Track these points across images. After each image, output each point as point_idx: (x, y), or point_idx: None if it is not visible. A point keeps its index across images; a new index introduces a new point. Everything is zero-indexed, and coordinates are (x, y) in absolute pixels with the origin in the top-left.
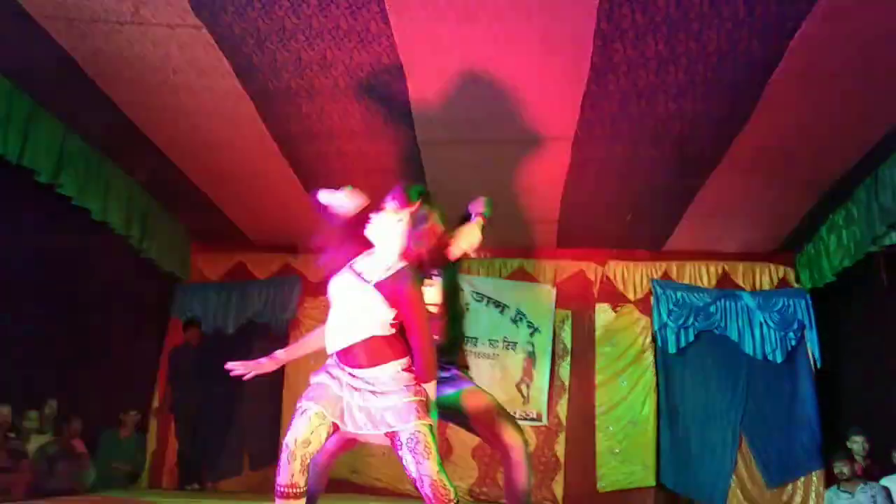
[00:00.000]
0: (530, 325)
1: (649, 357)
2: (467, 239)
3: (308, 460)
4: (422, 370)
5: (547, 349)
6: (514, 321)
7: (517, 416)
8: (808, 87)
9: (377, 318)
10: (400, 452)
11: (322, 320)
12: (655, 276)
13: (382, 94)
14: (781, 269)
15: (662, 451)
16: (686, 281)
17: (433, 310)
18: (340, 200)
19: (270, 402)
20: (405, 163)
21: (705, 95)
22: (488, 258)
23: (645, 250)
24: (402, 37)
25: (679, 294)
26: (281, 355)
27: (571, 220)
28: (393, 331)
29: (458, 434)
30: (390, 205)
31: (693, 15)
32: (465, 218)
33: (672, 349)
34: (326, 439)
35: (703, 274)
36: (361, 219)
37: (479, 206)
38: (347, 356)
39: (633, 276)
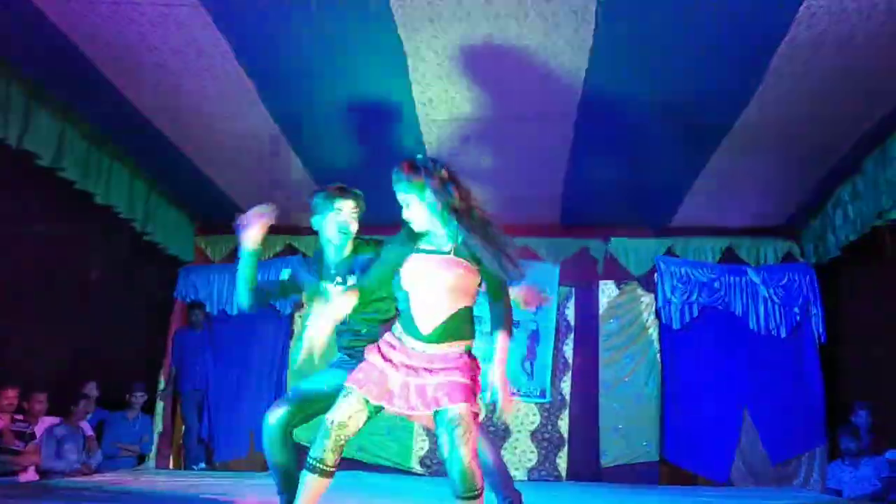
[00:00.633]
0: None
1: (653, 333)
2: None
3: (342, 441)
4: (507, 321)
5: (551, 327)
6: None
7: (521, 393)
8: (815, 58)
9: (467, 287)
10: (438, 430)
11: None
12: (659, 253)
13: (383, 72)
14: (786, 244)
15: (666, 427)
16: (690, 257)
17: None
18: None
19: (275, 382)
20: (406, 141)
21: (711, 68)
22: None
23: (649, 227)
24: (403, 14)
25: (683, 270)
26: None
27: (575, 197)
28: (473, 302)
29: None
30: (401, 185)
31: None
32: None
33: (676, 325)
34: (365, 423)
35: (708, 250)
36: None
37: None
38: (430, 333)
39: (637, 252)
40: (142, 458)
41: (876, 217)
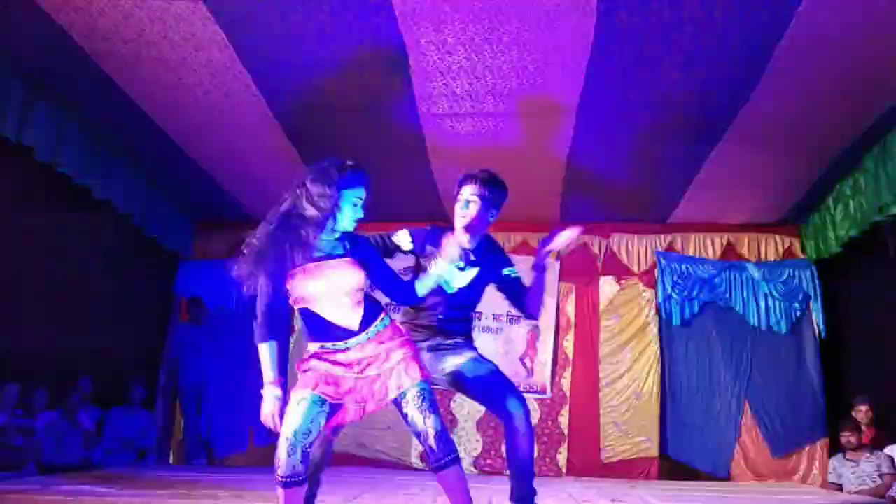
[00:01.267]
0: None
1: (653, 329)
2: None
3: (308, 448)
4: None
5: (551, 323)
6: None
7: (521, 389)
8: (815, 53)
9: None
10: (405, 410)
11: None
12: (660, 249)
13: (382, 67)
14: (787, 239)
15: (667, 423)
16: (691, 253)
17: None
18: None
19: None
20: (406, 136)
21: (711, 63)
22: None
23: (649, 223)
24: (403, 8)
25: (684, 266)
26: (277, 390)
27: (575, 192)
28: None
29: (462, 407)
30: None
31: None
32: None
33: (676, 321)
34: (326, 424)
35: (708, 246)
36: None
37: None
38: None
39: (637, 248)
40: (142, 454)
41: (877, 212)
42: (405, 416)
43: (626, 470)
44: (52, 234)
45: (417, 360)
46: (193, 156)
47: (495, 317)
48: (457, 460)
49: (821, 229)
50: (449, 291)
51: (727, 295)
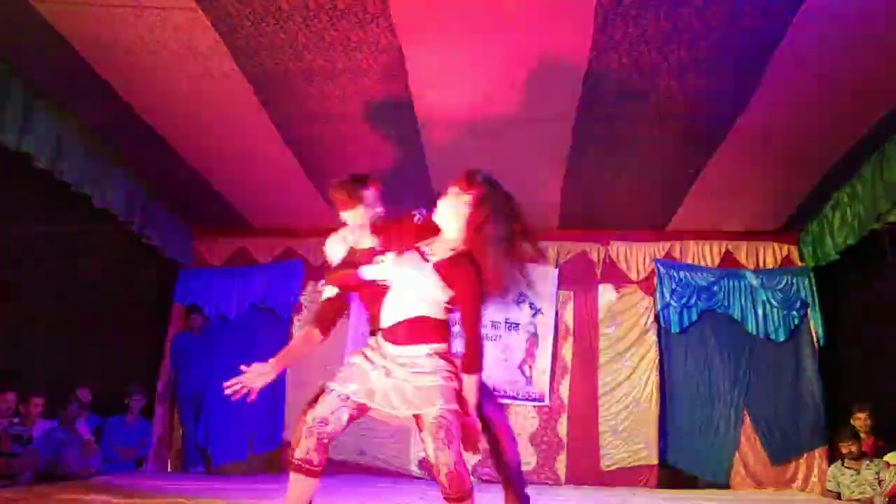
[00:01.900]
0: (532, 306)
1: (652, 337)
2: None
3: (325, 440)
4: (469, 359)
5: (549, 330)
6: (517, 302)
7: (520, 396)
8: (811, 62)
9: (430, 298)
10: (422, 435)
11: None
12: (658, 256)
13: (381, 76)
14: (785, 247)
15: (665, 430)
16: (689, 260)
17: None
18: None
19: (273, 386)
20: (405, 145)
21: (708, 72)
22: None
23: (648, 230)
24: (401, 18)
25: (682, 274)
26: (272, 365)
27: (573, 200)
28: (444, 316)
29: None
30: (452, 188)
31: None
32: None
33: (675, 329)
34: (349, 421)
35: (707, 253)
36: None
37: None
38: (393, 333)
39: (635, 256)
40: (140, 462)
41: (874, 220)
42: (422, 441)
43: (625, 478)
44: (52, 241)
45: (452, 391)
46: (193, 164)
47: (493, 324)
48: (466, 498)
49: (819, 237)
50: None
51: (725, 302)
